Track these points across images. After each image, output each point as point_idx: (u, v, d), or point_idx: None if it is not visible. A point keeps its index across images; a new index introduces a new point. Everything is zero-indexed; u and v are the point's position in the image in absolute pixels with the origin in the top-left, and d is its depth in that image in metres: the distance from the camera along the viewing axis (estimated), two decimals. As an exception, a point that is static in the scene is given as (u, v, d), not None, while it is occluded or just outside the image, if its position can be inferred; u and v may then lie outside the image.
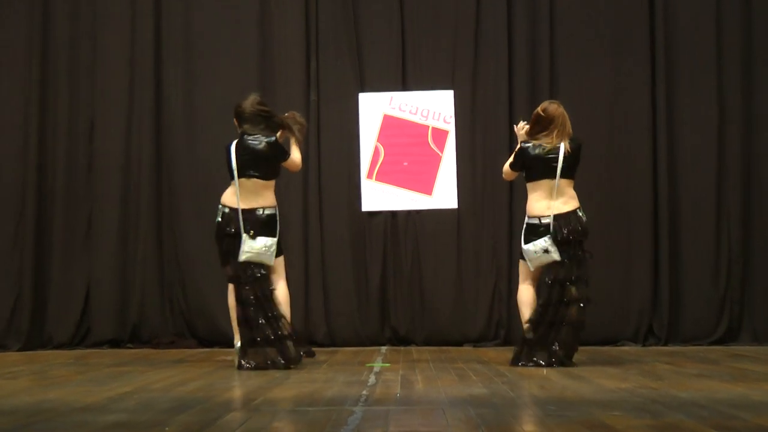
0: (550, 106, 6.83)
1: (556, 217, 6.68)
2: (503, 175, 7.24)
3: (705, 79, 8.98)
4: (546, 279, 6.69)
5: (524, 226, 6.84)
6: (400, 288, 9.01)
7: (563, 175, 6.72)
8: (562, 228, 6.66)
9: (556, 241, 6.65)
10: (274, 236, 6.81)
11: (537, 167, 6.79)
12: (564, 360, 6.56)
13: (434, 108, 9.07)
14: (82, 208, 9.15)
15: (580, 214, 6.75)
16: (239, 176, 6.77)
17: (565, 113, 6.81)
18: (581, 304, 6.64)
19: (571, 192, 6.78)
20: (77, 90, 9.25)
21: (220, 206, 6.90)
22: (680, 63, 9.01)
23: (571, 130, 6.82)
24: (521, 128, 7.02)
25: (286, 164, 7.04)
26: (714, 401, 4.64)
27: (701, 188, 8.91)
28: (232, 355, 6.91)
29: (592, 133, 8.85)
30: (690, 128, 8.97)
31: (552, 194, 6.70)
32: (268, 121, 6.94)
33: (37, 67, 9.19)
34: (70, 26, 9.28)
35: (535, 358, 6.60)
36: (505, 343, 8.78)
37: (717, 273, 8.84)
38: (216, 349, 8.65)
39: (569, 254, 6.66)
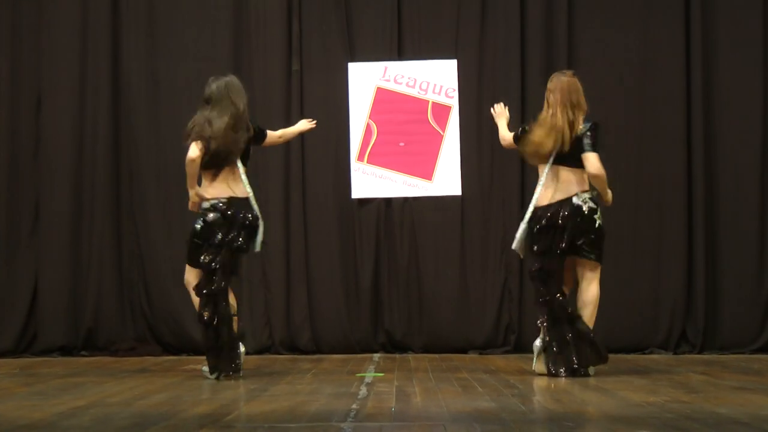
0: (553, 77, 6.90)
1: (547, 207, 6.75)
2: (501, 141, 7.32)
3: (747, 45, 8.98)
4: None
5: None
6: (396, 287, 9.01)
7: (560, 162, 6.74)
8: (541, 218, 6.73)
9: (538, 230, 6.74)
10: None
11: None
12: (574, 369, 6.62)
13: (435, 80, 9.06)
14: (27, 196, 9.13)
15: (578, 202, 6.72)
16: (224, 164, 6.78)
17: (569, 84, 6.76)
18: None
19: (571, 177, 6.73)
20: (20, 57, 9.22)
21: (214, 201, 6.75)
22: (719, 26, 9.00)
23: (583, 105, 6.77)
24: (499, 111, 7.25)
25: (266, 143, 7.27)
26: (758, 418, 4.64)
27: (742, 171, 8.92)
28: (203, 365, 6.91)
29: (616, 108, 8.88)
30: (730, 102, 8.97)
31: (554, 180, 6.78)
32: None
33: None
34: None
35: (556, 367, 6.66)
36: (516, 349, 8.79)
37: (761, 269, 8.86)
38: (183, 357, 8.66)
39: (561, 246, 6.70)
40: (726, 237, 8.90)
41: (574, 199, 6.69)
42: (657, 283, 8.88)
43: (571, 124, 6.67)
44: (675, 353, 8.72)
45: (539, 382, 6.36)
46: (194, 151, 6.64)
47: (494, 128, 8.91)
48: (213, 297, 6.65)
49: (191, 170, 6.66)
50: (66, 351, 8.96)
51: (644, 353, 8.70)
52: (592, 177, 6.65)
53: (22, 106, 9.18)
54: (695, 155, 8.89)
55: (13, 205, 9.12)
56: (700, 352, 8.72)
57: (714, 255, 8.88)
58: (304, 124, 7.49)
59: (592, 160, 6.62)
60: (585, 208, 6.69)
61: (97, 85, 9.16)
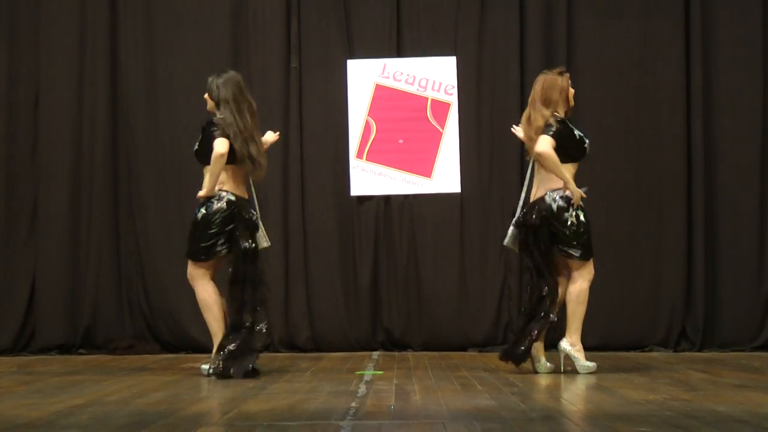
0: (539, 75, 6.95)
1: (529, 204, 6.87)
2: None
3: (748, 42, 8.98)
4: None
5: None
6: (395, 284, 9.01)
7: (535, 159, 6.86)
8: (526, 214, 6.82)
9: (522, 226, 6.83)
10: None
11: None
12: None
13: (434, 77, 9.06)
14: (25, 194, 9.12)
15: (548, 201, 6.74)
16: (242, 160, 6.80)
17: (545, 81, 6.79)
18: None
19: (546, 175, 6.77)
20: (18, 55, 9.20)
21: (224, 192, 6.74)
22: (719, 23, 8.99)
23: (555, 102, 6.76)
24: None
25: None
26: (758, 416, 4.64)
27: (742, 167, 8.92)
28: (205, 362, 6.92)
29: (616, 105, 8.87)
30: (730, 100, 8.97)
31: (538, 176, 6.87)
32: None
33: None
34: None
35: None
36: (516, 348, 8.78)
37: (760, 267, 8.86)
38: (182, 355, 8.65)
39: (537, 241, 6.79)
40: (726, 235, 8.90)
41: (546, 197, 6.74)
42: (657, 281, 8.88)
43: (535, 120, 6.75)
44: (675, 351, 8.72)
45: (539, 380, 6.37)
46: (224, 145, 6.62)
47: (494, 125, 9.00)
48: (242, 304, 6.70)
49: (218, 168, 6.64)
50: (64, 349, 8.96)
51: (644, 351, 8.71)
52: (537, 156, 6.67)
53: (21, 104, 9.16)
54: (695, 154, 8.88)
55: (12, 203, 9.11)
56: (699, 350, 8.72)
57: (713, 253, 8.88)
58: (270, 136, 7.33)
59: (539, 141, 6.64)
60: (554, 206, 6.70)
61: (95, 84, 9.14)
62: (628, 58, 9.01)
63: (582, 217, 6.72)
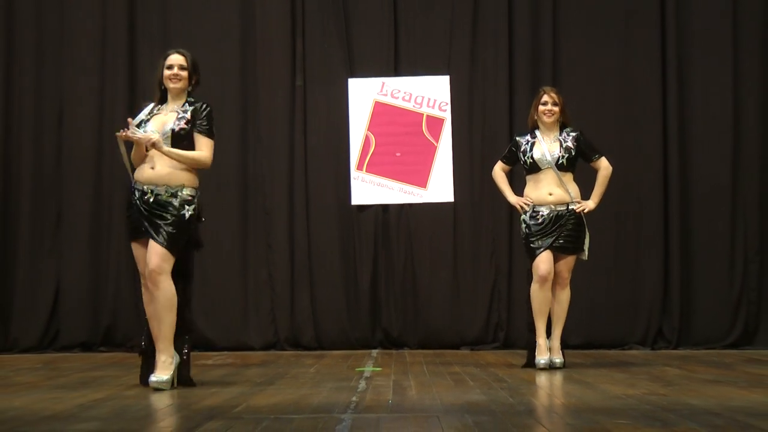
0: None
1: None
2: None
3: (720, 54, 8.97)
4: None
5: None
6: (393, 287, 9.01)
7: None
8: None
9: None
10: None
11: None
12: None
13: (429, 94, 9.06)
14: (50, 202, 9.12)
15: None
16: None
17: None
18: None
19: None
20: (43, 72, 9.20)
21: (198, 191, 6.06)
22: (693, 37, 8.98)
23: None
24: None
25: None
26: (729, 409, 4.65)
27: (715, 176, 8.92)
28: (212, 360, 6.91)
29: (598, 117, 8.86)
30: (703, 110, 8.96)
31: None
32: None
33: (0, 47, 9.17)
34: (35, 3, 9.22)
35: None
36: (505, 346, 8.79)
37: (732, 270, 8.86)
38: (196, 353, 8.63)
39: None
40: (700, 238, 8.89)
41: None
42: (636, 284, 8.88)
43: None
44: (653, 349, 8.72)
45: (526, 377, 6.37)
46: None
47: (484, 139, 9.02)
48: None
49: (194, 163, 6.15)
50: (86, 347, 8.95)
51: (624, 349, 8.70)
52: None
53: (45, 117, 9.15)
54: (671, 157, 8.88)
55: (37, 210, 9.09)
56: (675, 348, 8.72)
57: (688, 259, 8.87)
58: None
59: None
60: None
61: (114, 98, 9.12)
62: (608, 76, 9.01)
63: (523, 225, 6.98)
